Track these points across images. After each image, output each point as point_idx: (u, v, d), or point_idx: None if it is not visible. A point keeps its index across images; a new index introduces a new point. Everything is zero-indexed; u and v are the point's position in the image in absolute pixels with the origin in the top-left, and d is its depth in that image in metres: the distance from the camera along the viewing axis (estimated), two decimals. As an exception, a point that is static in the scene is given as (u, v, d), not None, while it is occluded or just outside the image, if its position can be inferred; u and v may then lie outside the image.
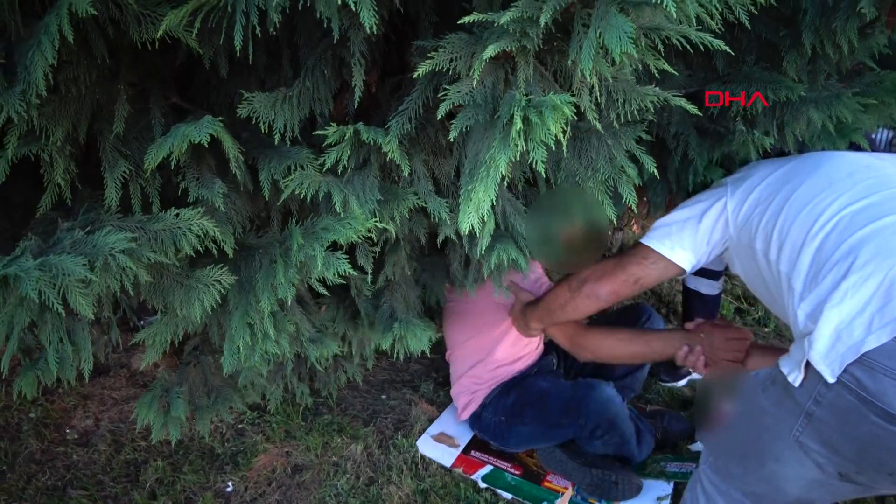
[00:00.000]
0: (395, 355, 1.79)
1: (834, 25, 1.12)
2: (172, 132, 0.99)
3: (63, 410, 2.18)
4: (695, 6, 0.71)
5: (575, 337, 1.85)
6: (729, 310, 2.87)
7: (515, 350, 2.11)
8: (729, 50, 0.82)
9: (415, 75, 0.93)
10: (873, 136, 2.24)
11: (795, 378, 1.02)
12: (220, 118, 0.99)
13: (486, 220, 1.21)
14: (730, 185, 1.38)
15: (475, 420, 2.12)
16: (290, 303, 1.28)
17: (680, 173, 1.50)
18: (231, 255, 1.18)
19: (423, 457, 2.05)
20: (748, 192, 1.32)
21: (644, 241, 1.48)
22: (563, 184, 1.17)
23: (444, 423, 2.23)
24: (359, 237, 1.15)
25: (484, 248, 1.29)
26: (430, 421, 2.21)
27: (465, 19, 0.82)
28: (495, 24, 0.79)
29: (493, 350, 2.08)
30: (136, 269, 1.01)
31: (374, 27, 0.83)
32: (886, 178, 1.12)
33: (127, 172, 1.11)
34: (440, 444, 2.12)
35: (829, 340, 0.97)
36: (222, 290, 1.20)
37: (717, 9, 0.72)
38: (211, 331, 1.54)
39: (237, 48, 0.86)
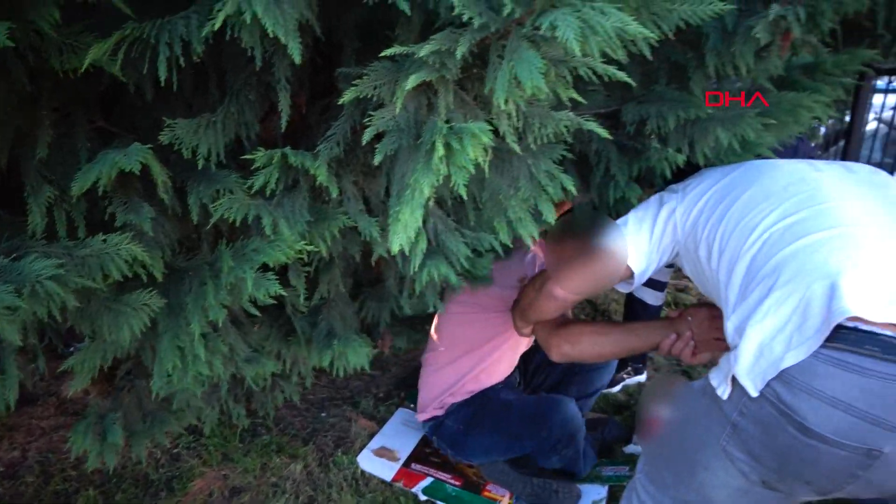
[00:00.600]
0: (334, 372, 1.81)
1: (733, 49, 1.21)
2: (101, 159, 1.00)
3: (-14, 442, 2.11)
4: (597, 42, 0.77)
5: (557, 328, 1.70)
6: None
7: (502, 368, 2.08)
8: (630, 81, 0.88)
9: (340, 102, 0.96)
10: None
11: (724, 391, 1.07)
12: (148, 145, 1.00)
13: (418, 239, 1.25)
14: (680, 192, 1.40)
15: (436, 427, 2.05)
16: (221, 324, 1.29)
17: (602, 188, 1.58)
18: (160, 279, 1.18)
19: (363, 473, 2.07)
20: (696, 200, 1.34)
21: None
22: (488, 202, 1.22)
23: (385, 436, 2.25)
24: (289, 258, 1.17)
25: (416, 266, 1.33)
26: (371, 437, 2.23)
27: (386, 52, 0.86)
28: (415, 56, 0.84)
29: (482, 365, 2.03)
30: (63, 296, 1.01)
31: (299, 58, 0.86)
32: (818, 193, 1.15)
33: (52, 197, 1.11)
34: (381, 459, 2.15)
35: (753, 356, 1.01)
36: (151, 314, 1.20)
37: (617, 45, 0.78)
38: (144, 354, 1.52)
39: (161, 78, 0.88)
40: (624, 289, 1.56)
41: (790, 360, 0.96)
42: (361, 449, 2.18)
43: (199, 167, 1.10)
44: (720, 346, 1.47)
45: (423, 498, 2.00)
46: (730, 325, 1.10)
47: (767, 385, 0.99)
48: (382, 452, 2.18)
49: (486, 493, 2.04)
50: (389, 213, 1.03)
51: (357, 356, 1.72)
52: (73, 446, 1.56)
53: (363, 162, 1.21)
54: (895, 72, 3.24)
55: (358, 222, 1.25)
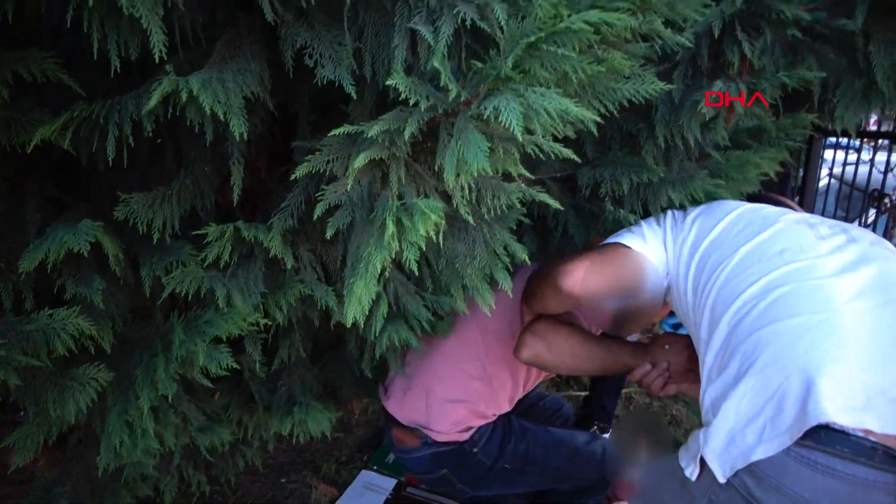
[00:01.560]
0: (294, 440, 1.78)
1: (681, 121, 1.26)
2: (49, 236, 0.99)
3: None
4: (541, 123, 0.80)
5: (544, 327, 1.51)
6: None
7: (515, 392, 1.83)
8: (575, 157, 0.91)
9: (293, 177, 0.97)
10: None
11: (692, 472, 1.05)
12: (99, 222, 1.00)
13: (379, 303, 1.25)
14: (689, 221, 1.33)
15: (453, 454, 1.74)
16: (171, 397, 1.26)
17: (561, 249, 1.60)
18: (109, 351, 1.16)
19: (324, 541, 2.02)
20: (699, 238, 1.28)
21: (614, 239, 1.36)
22: (445, 269, 1.23)
23: (346, 502, 2.20)
24: (242, 330, 1.16)
25: (377, 331, 1.33)
26: (332, 502, 2.18)
27: (335, 131, 0.88)
28: (363, 135, 0.86)
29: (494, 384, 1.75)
30: (5, 374, 0.98)
31: (244, 134, 0.87)
32: (813, 266, 1.10)
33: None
34: (342, 526, 2.10)
35: (724, 441, 0.99)
36: (99, 388, 1.18)
37: (559, 125, 0.81)
38: (94, 423, 1.48)
39: (110, 157, 0.88)
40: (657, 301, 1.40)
41: (760, 454, 0.95)
42: (323, 516, 2.13)
43: (154, 241, 1.10)
44: (694, 378, 1.41)
45: (387, 567, 1.95)
46: (706, 398, 1.08)
47: (737, 475, 0.98)
48: (345, 518, 2.13)
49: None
50: (345, 283, 1.04)
51: (318, 423, 1.70)
52: (15, 524, 1.49)
53: (320, 231, 1.22)
54: (845, 132, 3.38)
55: (314, 291, 1.25)
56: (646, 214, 1.48)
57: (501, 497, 1.93)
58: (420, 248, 0.89)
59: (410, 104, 0.83)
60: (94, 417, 1.44)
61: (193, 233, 1.08)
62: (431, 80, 0.89)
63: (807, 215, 1.29)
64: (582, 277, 1.28)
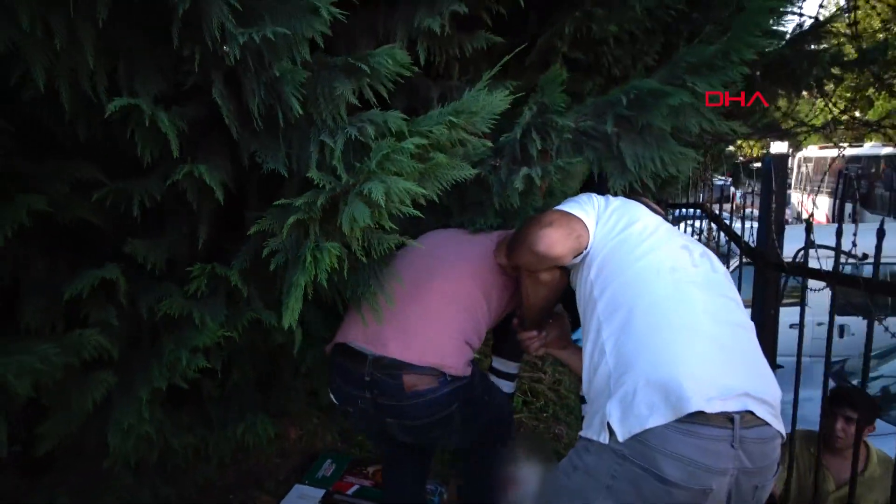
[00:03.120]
0: (247, 444, 2.26)
1: (508, 193, 1.91)
2: (84, 274, 1.53)
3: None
4: (397, 196, 1.41)
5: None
6: (518, 402, 3.62)
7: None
8: (422, 215, 1.53)
9: (249, 233, 1.56)
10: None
11: (605, 437, 1.39)
12: (118, 264, 1.55)
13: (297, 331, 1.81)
14: (609, 211, 1.71)
15: (464, 388, 1.91)
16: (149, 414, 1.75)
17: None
18: (116, 358, 1.68)
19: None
20: (608, 221, 1.67)
21: (570, 210, 1.68)
22: (351, 297, 1.81)
23: (286, 509, 2.68)
24: (211, 342, 1.71)
25: (297, 349, 1.90)
26: (274, 509, 2.65)
27: (276, 203, 1.47)
28: (293, 206, 1.45)
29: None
30: (55, 373, 1.50)
31: (222, 200, 1.46)
32: (690, 287, 1.53)
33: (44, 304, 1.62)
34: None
35: (620, 411, 1.37)
36: (108, 388, 1.69)
37: (407, 198, 1.43)
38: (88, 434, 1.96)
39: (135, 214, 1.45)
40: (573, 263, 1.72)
41: (651, 423, 1.33)
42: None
43: (149, 275, 1.65)
44: (560, 346, 2.01)
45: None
46: (603, 371, 1.48)
47: (632, 449, 1.34)
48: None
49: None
50: (283, 303, 1.60)
51: (264, 427, 2.21)
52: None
53: (264, 271, 1.78)
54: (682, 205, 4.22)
55: (261, 315, 1.81)
56: None
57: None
58: (329, 273, 1.48)
59: (320, 186, 1.44)
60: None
61: (187, 269, 1.63)
62: (332, 172, 1.49)
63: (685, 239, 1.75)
64: (555, 243, 1.61)
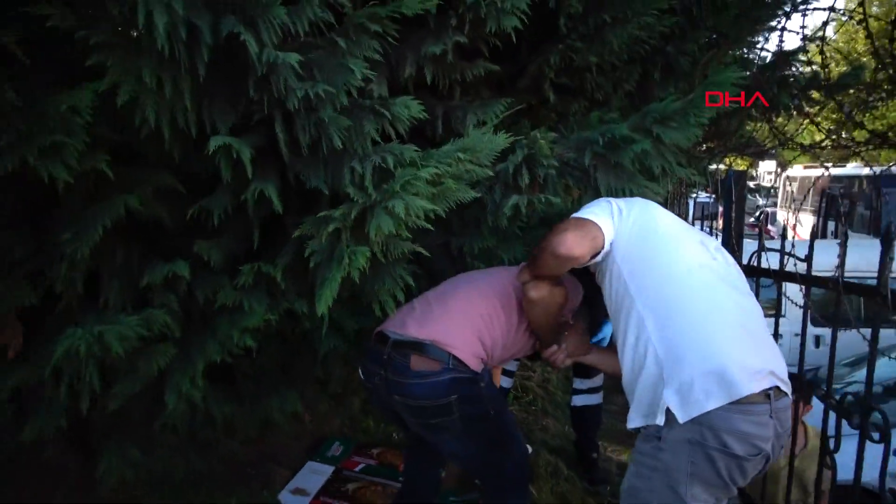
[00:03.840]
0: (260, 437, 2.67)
1: (500, 212, 2.33)
2: (160, 265, 1.95)
3: None
4: (415, 211, 1.83)
5: (553, 284, 2.07)
6: (510, 397, 4.03)
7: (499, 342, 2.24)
8: (431, 227, 1.95)
9: (294, 236, 1.97)
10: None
11: (661, 419, 1.68)
12: (184, 260, 1.97)
13: (323, 321, 2.22)
14: (628, 212, 1.94)
15: (467, 382, 2.08)
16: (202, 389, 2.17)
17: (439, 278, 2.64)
18: (178, 335, 2.09)
19: (285, 505, 2.89)
20: (631, 220, 1.92)
21: (586, 216, 1.92)
22: (370, 292, 2.23)
23: (298, 480, 3.08)
24: (258, 325, 2.12)
25: (323, 335, 2.31)
26: (287, 480, 3.06)
27: (319, 215, 1.89)
28: (330, 217, 1.87)
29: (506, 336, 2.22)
30: (135, 342, 1.91)
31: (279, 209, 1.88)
32: (720, 279, 1.82)
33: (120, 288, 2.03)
34: (296, 496, 2.97)
35: (679, 397, 1.65)
36: (168, 358, 2.10)
37: (422, 213, 1.84)
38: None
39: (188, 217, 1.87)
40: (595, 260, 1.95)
41: (710, 407, 1.61)
42: (280, 490, 2.99)
43: (203, 267, 2.06)
44: (581, 353, 2.29)
45: (328, 519, 2.83)
46: (652, 362, 1.72)
47: (702, 434, 1.62)
48: (297, 491, 3.01)
49: (375, 514, 2.89)
50: (317, 294, 2.00)
51: (290, 403, 2.62)
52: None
53: (301, 268, 2.19)
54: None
55: (294, 304, 2.23)
56: (489, 263, 2.55)
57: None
58: (360, 271, 1.90)
59: (354, 201, 1.86)
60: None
61: (238, 267, 2.05)
62: (362, 189, 1.91)
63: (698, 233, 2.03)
64: (573, 246, 1.84)
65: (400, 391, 2.07)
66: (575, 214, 1.96)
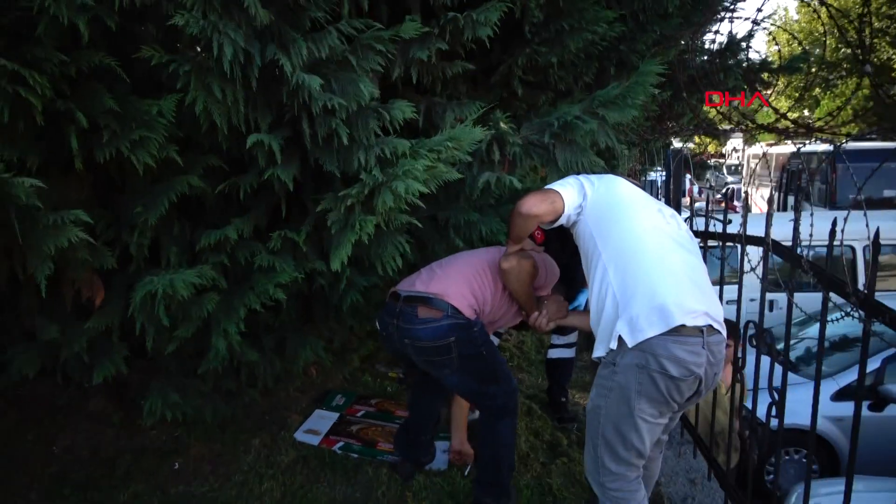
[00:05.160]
0: (300, 364, 3.30)
1: (476, 185, 2.97)
2: (208, 233, 2.56)
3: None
4: (410, 192, 2.45)
5: (525, 256, 2.70)
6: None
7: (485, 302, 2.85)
8: (422, 205, 2.58)
9: (318, 209, 2.60)
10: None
11: (614, 344, 2.16)
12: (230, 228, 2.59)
13: (342, 274, 2.85)
14: (596, 184, 2.45)
15: (464, 327, 2.70)
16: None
17: (434, 247, 3.28)
18: (224, 288, 2.71)
19: (300, 442, 3.53)
20: (599, 190, 2.42)
21: (551, 186, 2.44)
22: (374, 256, 2.86)
23: (310, 423, 3.74)
24: (288, 281, 2.74)
25: (342, 288, 2.94)
26: (300, 424, 3.70)
27: (341, 193, 2.51)
28: (348, 194, 2.49)
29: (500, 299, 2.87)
30: (187, 291, 2.52)
31: (290, 186, 2.51)
32: (669, 237, 2.31)
33: (178, 252, 2.64)
34: (309, 434, 3.62)
35: (629, 327, 2.12)
36: (214, 305, 2.72)
37: (416, 193, 2.47)
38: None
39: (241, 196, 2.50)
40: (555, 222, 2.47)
41: (650, 334, 2.08)
42: (295, 431, 3.63)
43: (240, 238, 2.68)
44: (560, 317, 2.89)
45: (338, 452, 3.47)
46: (611, 302, 2.20)
47: (646, 360, 2.07)
48: (310, 431, 3.66)
49: (378, 447, 3.54)
50: (333, 252, 2.62)
51: (312, 347, 3.25)
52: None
53: (321, 235, 2.81)
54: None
55: (315, 265, 2.85)
56: (468, 241, 3.19)
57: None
58: (366, 237, 2.52)
59: (364, 182, 2.48)
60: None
61: (269, 233, 2.67)
62: (370, 173, 2.53)
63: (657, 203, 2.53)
64: (532, 206, 2.38)
65: (409, 335, 2.71)
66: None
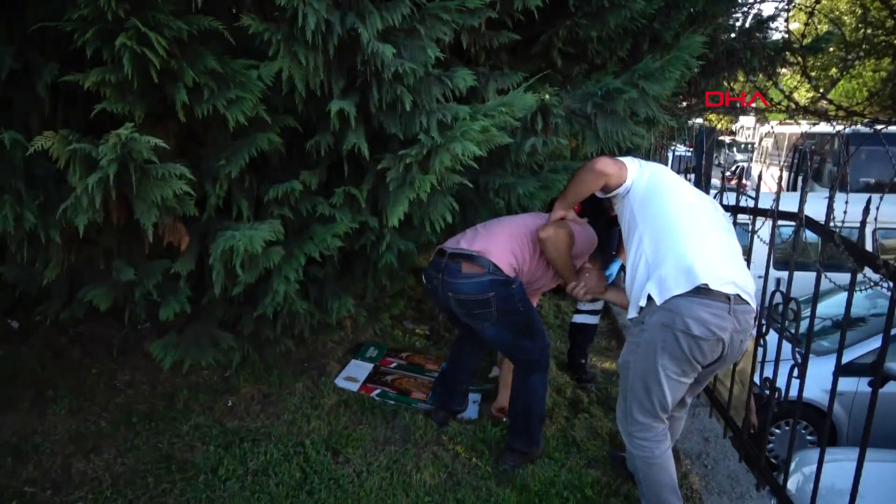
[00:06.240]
0: (333, 315, 3.63)
1: (521, 151, 3.27)
2: (276, 187, 2.87)
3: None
4: (466, 153, 2.76)
5: (564, 226, 2.98)
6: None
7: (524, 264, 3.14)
8: (475, 165, 2.88)
9: (378, 168, 2.90)
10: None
11: (644, 303, 2.45)
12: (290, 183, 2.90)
13: (386, 233, 3.16)
14: (647, 167, 2.69)
15: (502, 283, 2.99)
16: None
17: (476, 209, 3.58)
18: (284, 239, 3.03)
19: (340, 388, 3.87)
20: (646, 172, 2.66)
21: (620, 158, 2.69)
22: (428, 213, 3.17)
23: (348, 370, 4.09)
24: (344, 232, 3.06)
25: (385, 246, 3.26)
26: (339, 372, 4.05)
27: (401, 152, 2.82)
28: (407, 154, 2.79)
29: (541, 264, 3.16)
30: (253, 247, 2.83)
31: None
32: (702, 214, 2.58)
33: (247, 204, 2.96)
34: (348, 381, 3.97)
35: (658, 287, 2.36)
36: (279, 257, 3.03)
37: (471, 156, 2.77)
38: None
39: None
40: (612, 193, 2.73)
41: (676, 292, 2.31)
42: (335, 377, 3.97)
43: (303, 192, 2.99)
44: (598, 290, 3.14)
45: (376, 398, 3.81)
46: (643, 266, 2.47)
47: (670, 319, 2.30)
48: (348, 378, 4.01)
49: (413, 396, 3.88)
50: (390, 210, 2.93)
51: (345, 304, 3.58)
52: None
53: (374, 195, 3.11)
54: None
55: (368, 220, 3.16)
56: (507, 204, 3.50)
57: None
58: (423, 196, 2.83)
59: (423, 143, 2.78)
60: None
61: (328, 189, 2.98)
62: (429, 135, 2.83)
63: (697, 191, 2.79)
64: (606, 165, 2.62)
65: (452, 289, 3.05)
66: None
